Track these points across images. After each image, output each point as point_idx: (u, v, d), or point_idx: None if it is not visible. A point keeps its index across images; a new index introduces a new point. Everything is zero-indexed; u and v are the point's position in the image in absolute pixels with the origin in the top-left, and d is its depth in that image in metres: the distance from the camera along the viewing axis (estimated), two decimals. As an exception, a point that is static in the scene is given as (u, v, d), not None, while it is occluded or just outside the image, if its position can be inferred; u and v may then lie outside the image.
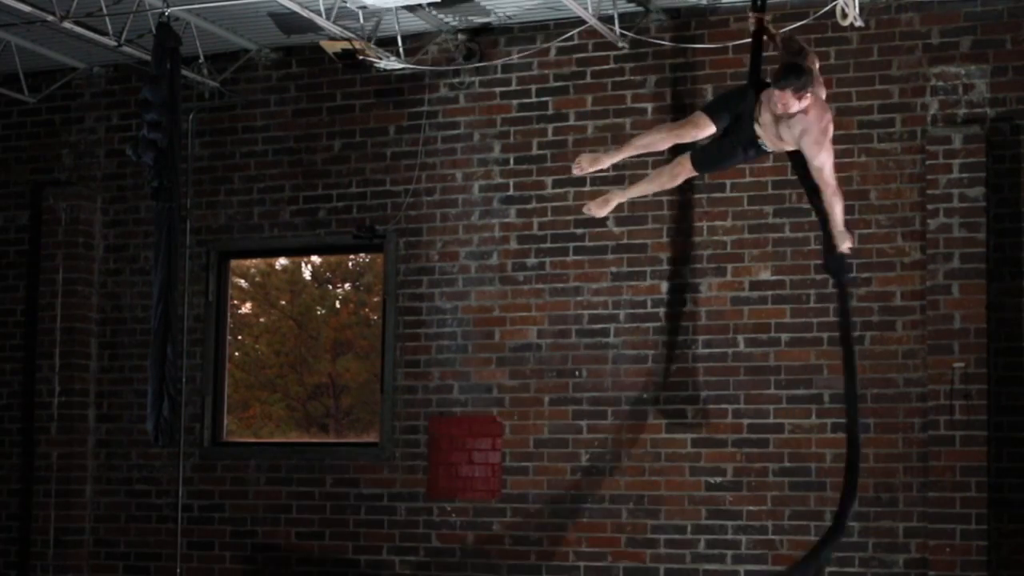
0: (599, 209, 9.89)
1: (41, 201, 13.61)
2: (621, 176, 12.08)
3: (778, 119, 8.94)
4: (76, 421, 13.34)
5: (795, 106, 8.81)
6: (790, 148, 9.12)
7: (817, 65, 9.28)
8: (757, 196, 11.68)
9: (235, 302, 14.17)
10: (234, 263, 13.70)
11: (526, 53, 12.40)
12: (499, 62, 12.49)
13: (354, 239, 12.77)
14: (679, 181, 9.72)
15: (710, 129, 9.26)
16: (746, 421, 11.61)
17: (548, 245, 12.27)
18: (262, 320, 15.31)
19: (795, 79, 8.75)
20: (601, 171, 12.08)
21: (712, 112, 9.29)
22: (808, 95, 8.82)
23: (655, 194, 11.97)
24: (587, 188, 12.14)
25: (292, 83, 13.18)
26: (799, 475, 11.45)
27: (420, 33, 12.62)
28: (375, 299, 13.54)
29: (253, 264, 14.53)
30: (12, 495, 13.56)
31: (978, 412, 10.88)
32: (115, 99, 13.69)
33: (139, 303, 13.35)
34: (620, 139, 11.86)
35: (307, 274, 15.58)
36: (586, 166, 9.79)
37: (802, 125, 8.88)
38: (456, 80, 12.62)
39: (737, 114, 9.17)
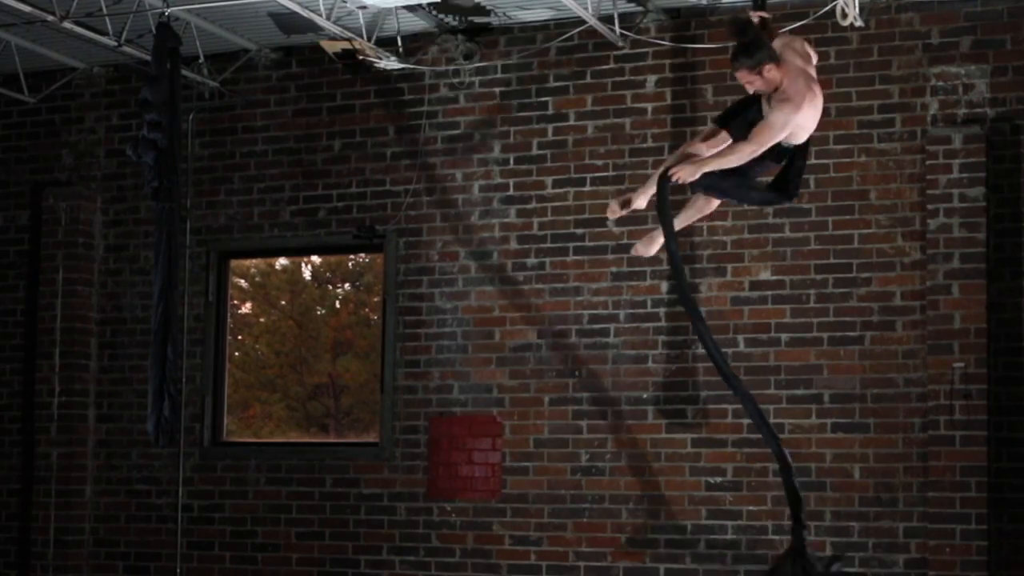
0: (647, 249, 9.33)
1: (41, 201, 13.61)
2: (621, 176, 12.08)
3: (771, 104, 8.56)
4: (76, 421, 13.33)
5: (757, 82, 8.45)
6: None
7: (781, 41, 8.71)
8: (757, 196, 11.65)
9: (235, 302, 14.17)
10: (234, 263, 13.69)
11: (526, 53, 12.39)
12: (499, 62, 12.48)
13: (354, 239, 12.77)
14: (714, 206, 9.19)
15: (726, 140, 9.01)
16: (746, 421, 11.55)
17: (548, 245, 12.26)
18: (262, 320, 15.29)
19: (745, 59, 8.41)
20: (602, 173, 12.17)
21: (724, 122, 8.93)
22: (768, 68, 8.40)
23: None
24: (587, 188, 12.15)
25: (292, 83, 13.18)
26: (799, 475, 11.32)
27: (420, 33, 12.61)
28: (375, 299, 13.53)
29: (253, 264, 14.52)
30: (12, 495, 13.56)
31: (978, 412, 10.87)
32: (115, 99, 13.68)
33: (139, 303, 13.34)
34: (640, 178, 11.86)
35: (307, 274, 15.55)
36: (641, 249, 9.32)
37: (777, 96, 8.48)
38: (456, 80, 12.61)
39: (749, 122, 8.92)
